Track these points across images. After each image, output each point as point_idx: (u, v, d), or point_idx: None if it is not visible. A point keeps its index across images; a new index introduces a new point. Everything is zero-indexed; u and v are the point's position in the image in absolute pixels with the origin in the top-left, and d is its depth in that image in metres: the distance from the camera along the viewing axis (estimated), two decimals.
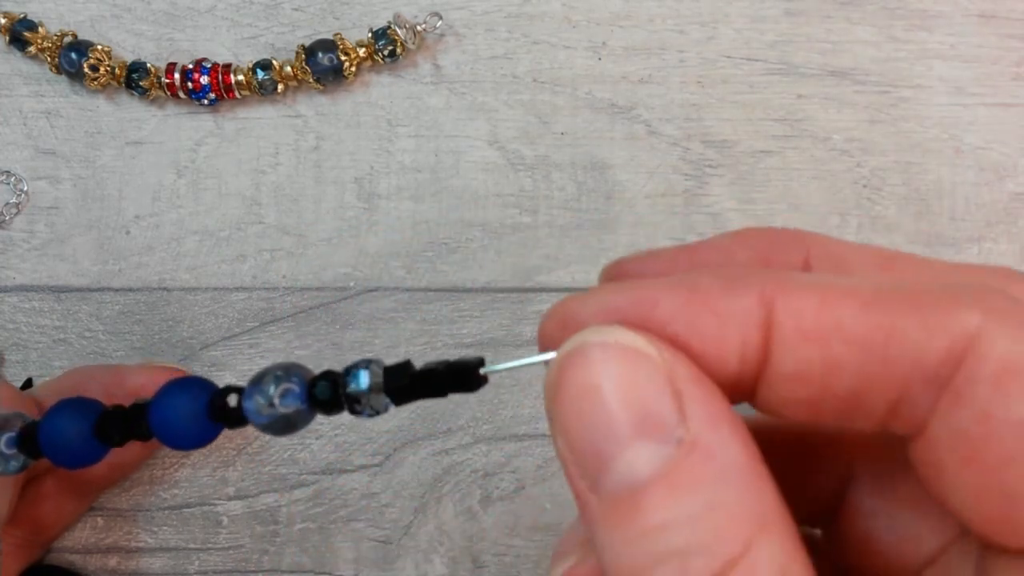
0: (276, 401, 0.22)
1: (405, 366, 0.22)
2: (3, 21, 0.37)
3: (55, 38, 0.37)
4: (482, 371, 0.21)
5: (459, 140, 0.37)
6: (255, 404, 0.22)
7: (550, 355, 0.18)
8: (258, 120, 0.37)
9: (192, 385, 0.23)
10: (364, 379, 0.22)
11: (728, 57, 0.37)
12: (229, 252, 0.37)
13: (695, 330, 0.16)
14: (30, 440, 0.25)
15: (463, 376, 0.21)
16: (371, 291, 0.37)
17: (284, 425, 0.22)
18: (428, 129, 0.37)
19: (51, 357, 0.37)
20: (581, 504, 0.16)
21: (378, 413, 0.22)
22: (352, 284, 0.37)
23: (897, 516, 0.18)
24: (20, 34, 0.37)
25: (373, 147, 0.37)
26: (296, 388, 0.22)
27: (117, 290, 0.37)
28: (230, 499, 0.36)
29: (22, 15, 0.37)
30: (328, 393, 0.22)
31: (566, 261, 0.37)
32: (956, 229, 0.37)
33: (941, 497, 0.15)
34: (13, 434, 0.25)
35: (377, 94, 0.37)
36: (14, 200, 0.37)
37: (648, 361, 0.16)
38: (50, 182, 0.37)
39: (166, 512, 0.36)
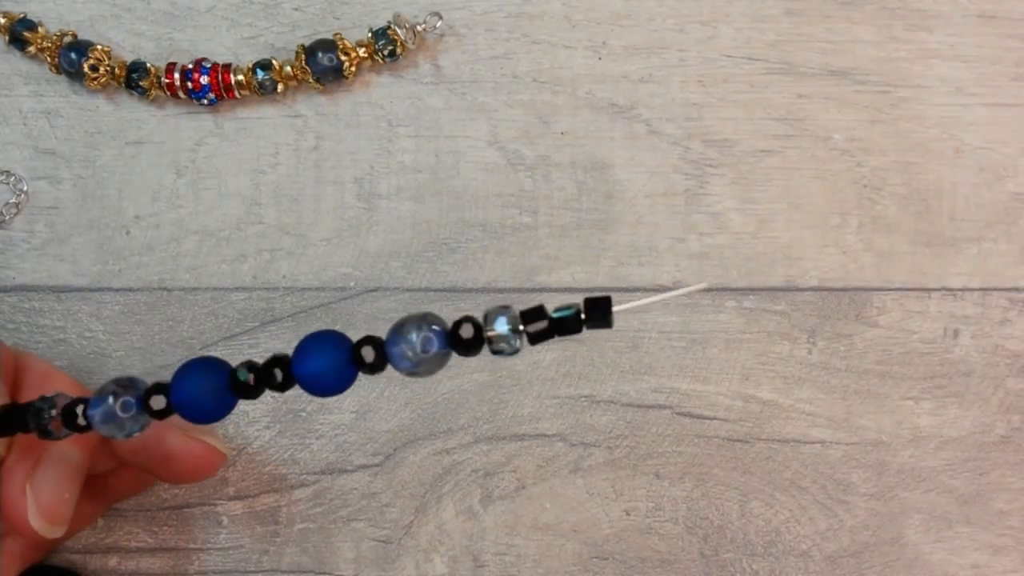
0: (418, 347, 0.25)
1: (539, 310, 0.25)
2: (3, 21, 0.37)
3: (55, 38, 0.37)
4: (615, 309, 0.24)
5: (459, 140, 0.37)
6: (400, 350, 0.25)
7: (685, 290, 0.26)
8: (258, 120, 0.37)
9: (331, 337, 0.26)
10: (503, 322, 0.25)
11: (728, 56, 0.37)
12: (229, 252, 0.37)
13: None
14: (155, 400, 0.26)
15: (598, 313, 0.24)
16: (371, 291, 0.37)
17: (430, 367, 0.25)
18: (428, 129, 0.37)
19: (51, 357, 0.37)
20: None
21: (515, 352, 0.25)
22: (352, 284, 0.37)
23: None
24: (20, 34, 0.37)
25: (373, 147, 0.37)
26: (435, 334, 0.25)
27: (117, 290, 0.37)
28: (230, 499, 0.36)
29: (22, 15, 0.37)
30: (471, 334, 0.25)
31: (566, 261, 0.37)
32: (956, 229, 0.37)
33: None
34: (131, 398, 0.26)
35: (377, 94, 0.37)
36: (14, 200, 0.37)
37: None
38: (50, 182, 0.37)
39: (166, 512, 0.36)
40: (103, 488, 0.34)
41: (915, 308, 0.37)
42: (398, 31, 0.36)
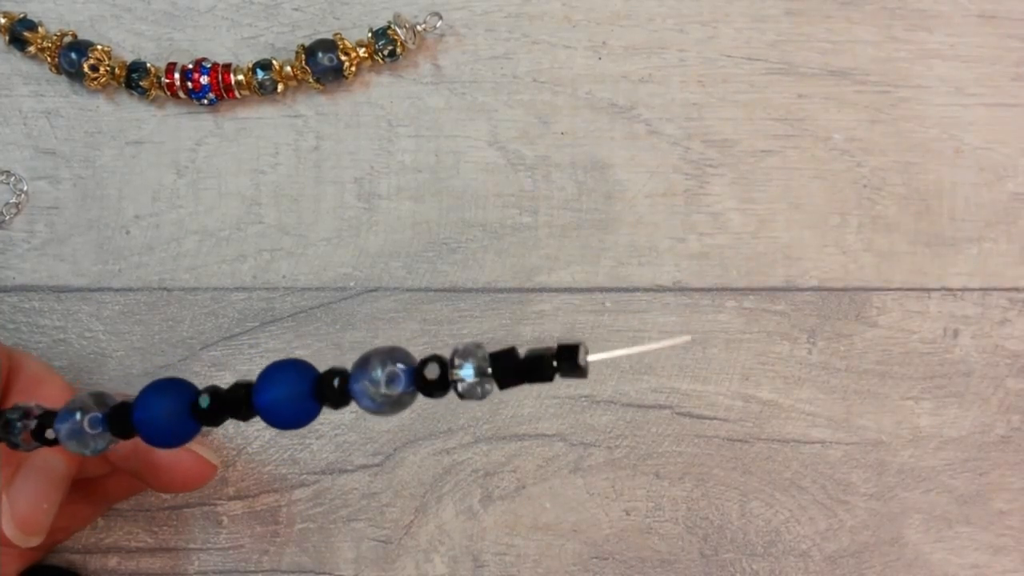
0: (383, 385, 0.23)
1: (511, 352, 0.23)
2: (3, 21, 0.37)
3: (55, 38, 0.37)
4: (588, 359, 0.22)
5: (459, 140, 0.37)
6: (363, 387, 0.23)
7: (668, 343, 0.23)
8: (258, 120, 0.37)
9: (294, 367, 0.24)
10: (470, 367, 0.23)
11: (729, 56, 0.37)
12: (229, 252, 0.37)
13: None
14: (120, 420, 0.25)
15: (568, 362, 0.22)
16: (371, 291, 0.37)
17: (392, 407, 0.24)
18: (428, 129, 0.37)
19: (51, 357, 0.37)
20: None
21: (483, 397, 0.23)
22: (352, 284, 0.37)
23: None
24: (20, 34, 0.37)
25: (373, 147, 0.37)
26: (402, 371, 0.23)
27: (117, 290, 0.37)
28: (230, 499, 0.36)
29: (22, 15, 0.37)
30: (436, 376, 0.23)
31: (566, 261, 0.37)
32: (956, 229, 0.37)
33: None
34: (98, 415, 0.25)
35: (377, 94, 0.37)
36: (14, 200, 0.37)
37: None
38: (50, 182, 0.37)
39: (166, 512, 0.36)
40: (99, 491, 0.34)
41: (915, 308, 0.37)
42: (398, 31, 0.36)
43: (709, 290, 0.37)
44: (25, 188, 0.37)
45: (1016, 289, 0.37)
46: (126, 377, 0.36)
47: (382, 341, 0.36)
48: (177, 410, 0.25)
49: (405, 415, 0.36)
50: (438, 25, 0.36)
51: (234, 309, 0.37)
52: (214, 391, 0.25)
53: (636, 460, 0.36)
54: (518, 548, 0.36)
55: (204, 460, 0.33)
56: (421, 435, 0.36)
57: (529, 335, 0.36)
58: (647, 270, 0.37)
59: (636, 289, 0.37)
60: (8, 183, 0.37)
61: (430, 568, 0.36)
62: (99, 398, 0.26)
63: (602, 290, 0.37)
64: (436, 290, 0.37)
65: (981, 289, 0.37)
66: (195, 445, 0.33)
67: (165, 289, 0.37)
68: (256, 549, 0.36)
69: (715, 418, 0.36)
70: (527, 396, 0.36)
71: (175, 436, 0.25)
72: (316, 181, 0.37)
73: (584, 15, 0.37)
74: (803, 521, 0.36)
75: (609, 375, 0.37)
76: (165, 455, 0.32)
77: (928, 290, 0.37)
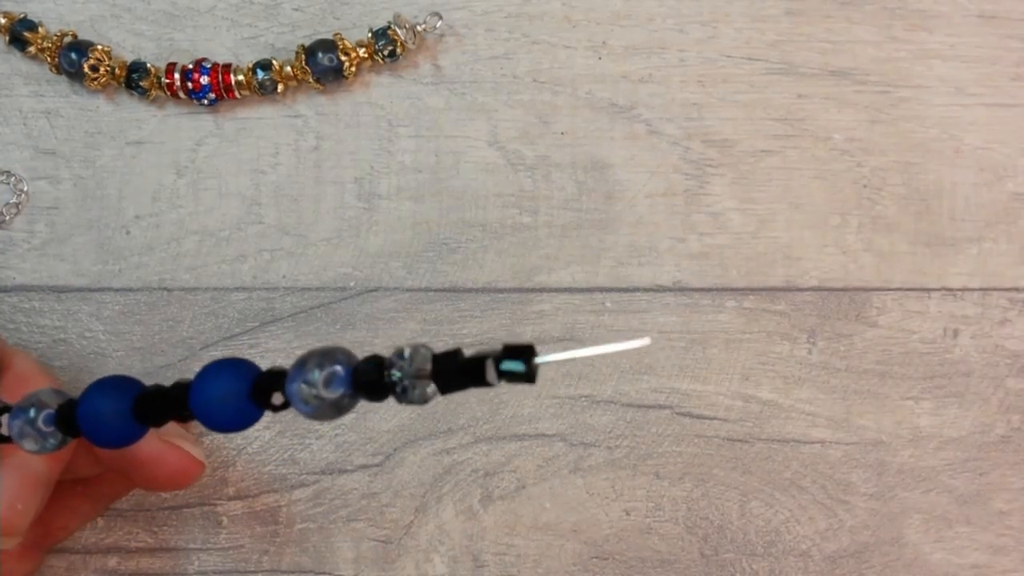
0: (321, 387, 0.21)
1: (455, 354, 0.21)
2: (3, 21, 0.37)
3: (55, 38, 0.37)
4: (537, 361, 0.20)
5: (459, 140, 0.37)
6: (299, 389, 0.22)
7: (622, 345, 0.20)
8: (258, 120, 0.37)
9: (235, 367, 0.23)
10: (408, 368, 0.21)
11: (728, 56, 0.37)
12: (229, 252, 0.37)
13: None
14: (68, 418, 0.24)
15: (513, 363, 0.20)
16: (371, 291, 0.37)
17: (329, 412, 0.22)
18: (428, 129, 0.37)
19: (51, 357, 0.37)
20: None
21: (425, 401, 0.21)
22: (352, 284, 0.37)
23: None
24: (20, 34, 0.37)
25: (373, 147, 0.37)
26: (341, 372, 0.21)
27: (117, 290, 0.37)
28: (230, 499, 0.36)
29: (22, 15, 0.37)
30: (374, 378, 0.21)
31: (566, 261, 0.37)
32: (956, 229, 0.37)
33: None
34: (52, 411, 0.24)
35: (377, 94, 0.37)
36: (14, 200, 0.37)
37: None
38: (50, 182, 0.37)
39: (166, 512, 0.36)
40: (94, 490, 0.34)
41: (915, 308, 0.37)
42: (398, 31, 0.36)
43: (709, 290, 0.37)
44: (25, 188, 0.37)
45: (1016, 289, 0.37)
46: None
47: (382, 341, 0.37)
48: (119, 409, 0.24)
49: (405, 415, 0.36)
50: (438, 25, 0.36)
51: (234, 309, 0.37)
52: (155, 390, 0.24)
53: (636, 460, 0.36)
54: (518, 548, 0.36)
55: (191, 457, 0.32)
56: (421, 435, 0.36)
57: (529, 335, 0.36)
58: (647, 270, 0.37)
59: (636, 289, 0.37)
60: (8, 183, 0.37)
61: (430, 568, 0.36)
62: (60, 395, 0.25)
63: (602, 290, 0.37)
64: (436, 290, 0.37)
65: (981, 289, 0.37)
66: (182, 442, 0.32)
67: (165, 289, 0.37)
68: (256, 549, 0.36)
69: (715, 418, 0.36)
70: (527, 396, 0.36)
71: (118, 435, 0.24)
72: (316, 181, 0.37)
73: (584, 15, 0.37)
74: (803, 521, 0.36)
75: (609, 375, 0.37)
76: (150, 452, 0.31)
77: (928, 290, 0.37)
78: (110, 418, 0.24)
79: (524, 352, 0.20)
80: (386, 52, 0.36)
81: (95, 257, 0.37)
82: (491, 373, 0.20)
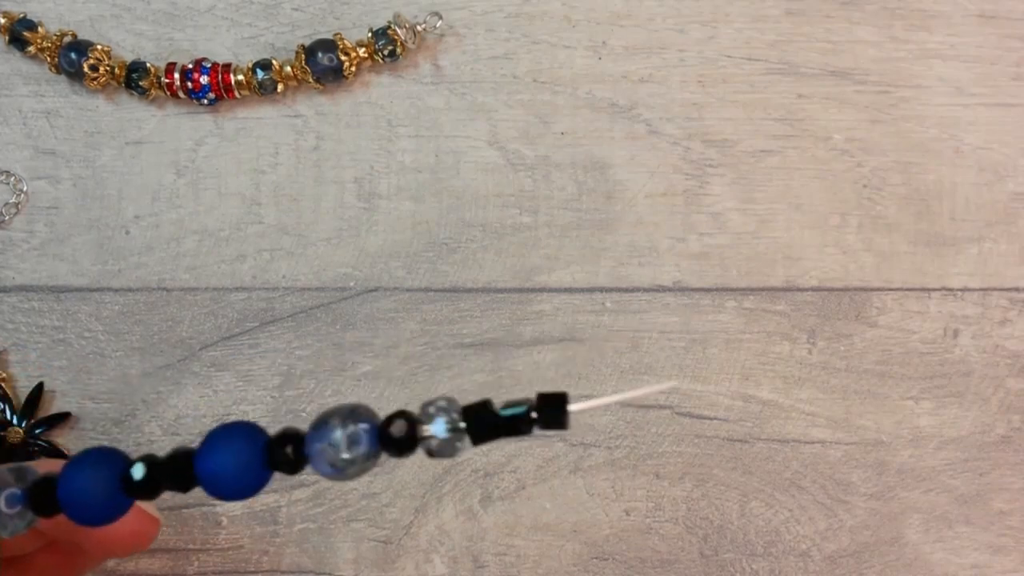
0: (344, 447, 0.21)
1: (485, 406, 0.21)
2: (3, 21, 0.37)
3: (55, 38, 0.37)
4: (570, 408, 0.20)
5: (459, 140, 0.37)
6: (321, 451, 0.21)
7: (653, 388, 0.21)
8: (258, 120, 0.37)
9: (245, 434, 0.22)
10: (442, 423, 0.21)
11: (729, 56, 0.37)
12: (229, 252, 0.37)
13: None
14: (44, 496, 0.22)
15: (550, 415, 0.20)
16: (371, 291, 0.37)
17: (355, 472, 0.21)
18: (428, 129, 0.37)
19: (51, 357, 0.36)
20: None
21: (455, 455, 0.21)
22: (352, 284, 0.37)
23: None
24: (20, 34, 0.37)
25: (373, 147, 0.37)
26: (364, 432, 0.21)
27: (117, 290, 0.37)
28: None
29: (22, 15, 0.37)
30: (405, 436, 0.21)
31: (566, 261, 0.37)
32: (956, 229, 0.37)
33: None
34: (16, 491, 0.22)
35: (377, 94, 0.37)
36: (14, 200, 0.37)
37: None
38: (50, 182, 0.37)
39: (166, 512, 0.36)
40: (31, 571, 0.30)
41: (915, 308, 0.37)
42: (398, 31, 0.36)
43: (709, 290, 0.37)
44: (25, 188, 0.37)
45: (1016, 289, 0.37)
46: (125, 377, 0.36)
47: (382, 341, 0.36)
48: (107, 484, 0.22)
49: None
50: (438, 25, 0.36)
51: (234, 309, 0.37)
52: (150, 461, 0.22)
53: (636, 460, 0.36)
54: (518, 548, 0.36)
55: (149, 517, 0.29)
56: None
57: (529, 335, 0.36)
58: (647, 270, 0.37)
59: (636, 289, 0.37)
60: (8, 183, 0.37)
61: (430, 568, 0.36)
62: (19, 473, 0.23)
63: (602, 290, 0.37)
64: (436, 290, 0.37)
65: (981, 289, 0.37)
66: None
67: (165, 289, 0.37)
68: (256, 549, 0.36)
69: (715, 418, 0.36)
70: (527, 396, 0.36)
71: (105, 512, 0.22)
72: (316, 181, 0.37)
73: (584, 15, 0.37)
74: (803, 521, 0.36)
75: (609, 375, 0.37)
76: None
77: (928, 290, 0.37)
78: (98, 495, 0.22)
79: (557, 401, 0.20)
80: (386, 52, 0.36)
81: (95, 257, 0.37)
82: (526, 425, 0.21)
